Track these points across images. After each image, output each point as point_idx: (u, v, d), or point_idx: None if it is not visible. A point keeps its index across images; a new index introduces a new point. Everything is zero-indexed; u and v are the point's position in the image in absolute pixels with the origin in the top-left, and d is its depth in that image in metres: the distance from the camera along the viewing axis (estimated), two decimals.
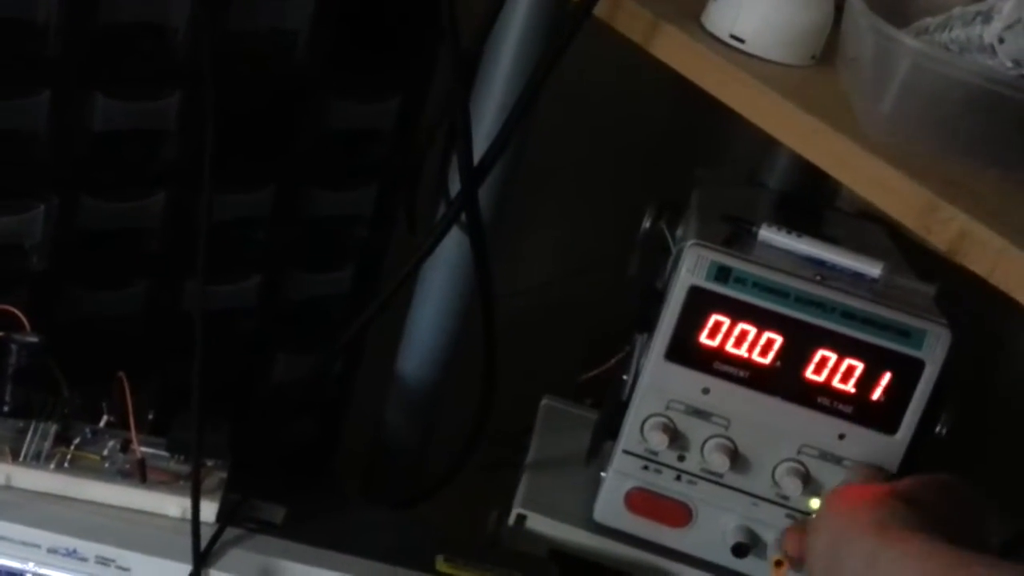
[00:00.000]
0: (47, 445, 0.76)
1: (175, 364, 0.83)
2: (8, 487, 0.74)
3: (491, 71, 0.92)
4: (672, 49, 0.76)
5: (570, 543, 0.87)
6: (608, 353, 0.92)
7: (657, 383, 0.81)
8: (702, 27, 0.76)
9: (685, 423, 0.81)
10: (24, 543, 0.73)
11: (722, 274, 0.78)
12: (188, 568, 0.74)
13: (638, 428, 0.82)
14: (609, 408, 0.85)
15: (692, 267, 0.78)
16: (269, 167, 0.92)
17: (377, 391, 1.07)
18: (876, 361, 0.78)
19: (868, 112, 0.68)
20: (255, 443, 0.85)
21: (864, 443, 0.79)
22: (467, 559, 0.79)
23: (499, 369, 0.93)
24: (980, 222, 0.61)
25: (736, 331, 0.78)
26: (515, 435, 1.00)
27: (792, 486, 0.80)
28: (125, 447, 0.77)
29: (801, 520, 0.79)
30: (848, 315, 0.77)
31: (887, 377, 0.78)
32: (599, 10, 0.77)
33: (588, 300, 1.27)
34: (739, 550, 0.83)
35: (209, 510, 0.76)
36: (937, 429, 0.78)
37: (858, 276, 0.80)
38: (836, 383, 0.78)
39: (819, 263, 0.80)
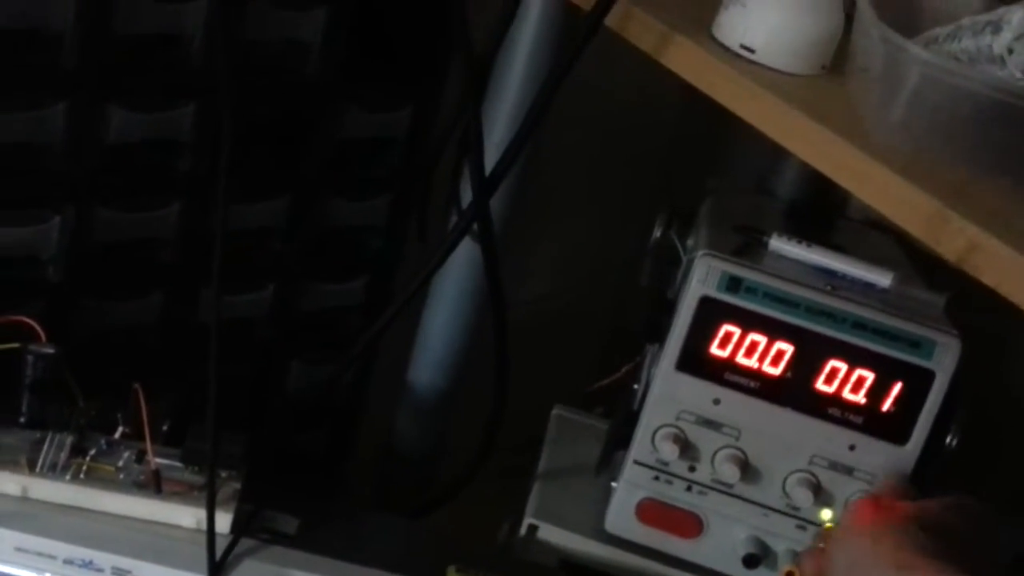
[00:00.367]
0: (63, 456, 0.77)
1: (190, 375, 0.83)
2: (25, 498, 0.75)
3: (503, 81, 0.92)
4: (682, 59, 0.76)
5: (581, 553, 0.87)
6: (619, 362, 0.92)
7: (668, 393, 0.81)
8: (712, 37, 0.76)
9: (696, 433, 0.81)
10: (40, 554, 0.73)
11: (733, 284, 0.78)
12: None
13: (649, 438, 0.82)
14: (620, 418, 0.86)
15: (703, 277, 0.78)
16: (283, 177, 0.93)
17: (389, 400, 1.07)
18: (886, 371, 0.77)
19: (878, 122, 0.67)
20: (269, 452, 0.85)
21: (875, 454, 0.79)
22: (479, 569, 0.80)
23: (510, 378, 0.93)
24: (989, 233, 0.60)
25: (747, 341, 0.78)
26: (526, 444, 1.00)
27: (803, 497, 0.80)
28: (140, 458, 0.78)
29: (817, 541, 0.79)
30: (859, 325, 0.77)
31: (897, 387, 0.78)
32: (610, 20, 0.77)
33: (599, 309, 1.27)
34: (750, 561, 0.83)
35: (224, 521, 0.76)
36: (948, 439, 0.78)
37: (868, 286, 0.80)
38: (847, 394, 0.78)
39: (829, 273, 0.80)
